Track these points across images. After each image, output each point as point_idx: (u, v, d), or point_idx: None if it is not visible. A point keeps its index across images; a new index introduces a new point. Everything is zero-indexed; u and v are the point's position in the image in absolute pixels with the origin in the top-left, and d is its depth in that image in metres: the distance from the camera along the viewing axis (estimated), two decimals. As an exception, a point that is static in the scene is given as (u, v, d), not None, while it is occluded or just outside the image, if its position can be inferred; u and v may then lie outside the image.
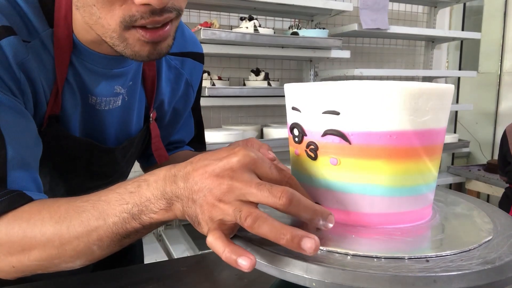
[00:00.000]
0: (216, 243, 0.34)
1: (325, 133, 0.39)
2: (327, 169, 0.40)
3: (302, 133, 0.42)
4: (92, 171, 0.68)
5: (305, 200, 0.35)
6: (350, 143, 0.38)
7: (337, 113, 0.38)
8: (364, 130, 0.37)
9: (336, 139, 0.39)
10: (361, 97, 0.37)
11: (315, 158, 0.41)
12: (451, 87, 0.40)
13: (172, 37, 0.53)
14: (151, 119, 0.72)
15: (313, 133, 0.41)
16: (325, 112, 0.39)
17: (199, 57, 0.77)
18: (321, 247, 0.35)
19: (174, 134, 0.82)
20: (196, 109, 0.84)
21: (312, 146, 0.41)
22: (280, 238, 0.33)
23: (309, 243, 0.32)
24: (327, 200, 0.41)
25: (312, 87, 0.40)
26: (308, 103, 0.41)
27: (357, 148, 0.38)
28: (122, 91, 0.64)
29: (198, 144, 0.87)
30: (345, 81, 0.42)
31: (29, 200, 0.47)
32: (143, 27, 0.48)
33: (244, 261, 0.33)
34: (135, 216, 0.41)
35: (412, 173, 0.39)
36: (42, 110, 0.57)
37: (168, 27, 0.50)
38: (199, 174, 0.38)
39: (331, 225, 0.36)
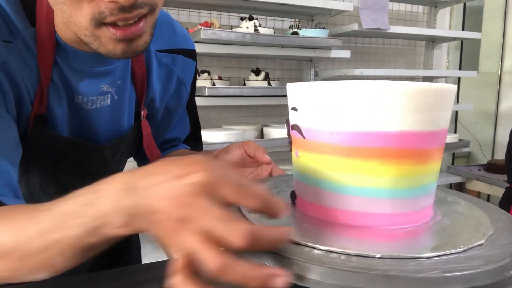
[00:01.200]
0: None
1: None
2: (326, 170, 0.40)
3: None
4: (82, 170, 0.68)
5: (264, 231, 0.32)
6: (350, 144, 0.38)
7: (337, 113, 0.38)
8: (362, 130, 0.37)
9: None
10: (360, 97, 0.37)
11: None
12: (453, 87, 0.39)
13: (149, 33, 0.51)
14: (142, 117, 0.72)
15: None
16: (324, 112, 0.39)
17: (191, 54, 0.77)
18: (319, 246, 0.34)
19: (169, 132, 0.82)
20: (191, 106, 0.83)
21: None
22: (250, 283, 0.30)
23: (280, 280, 0.30)
24: (328, 201, 0.41)
25: (312, 87, 0.40)
26: (306, 102, 0.41)
27: (354, 149, 0.38)
28: (110, 89, 0.64)
29: (194, 142, 0.86)
30: (345, 81, 0.42)
31: None
32: (113, 25, 0.47)
33: None
34: (96, 229, 0.37)
35: (413, 175, 0.39)
36: (27, 111, 0.56)
37: (141, 23, 0.49)
38: (156, 192, 0.33)
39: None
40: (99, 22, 0.46)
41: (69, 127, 0.63)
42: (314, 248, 0.34)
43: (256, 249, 0.32)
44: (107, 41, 0.49)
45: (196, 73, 0.80)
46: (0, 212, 0.44)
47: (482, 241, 0.36)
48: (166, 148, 0.82)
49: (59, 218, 0.39)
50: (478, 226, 0.40)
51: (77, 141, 0.63)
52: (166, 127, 0.80)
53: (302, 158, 0.43)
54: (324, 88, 0.39)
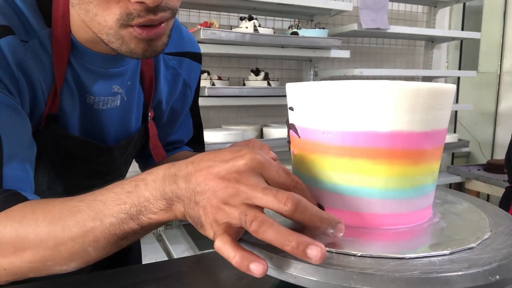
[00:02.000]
0: (225, 248, 0.33)
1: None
2: (320, 169, 0.40)
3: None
4: (90, 169, 0.68)
5: (312, 207, 0.34)
6: (348, 144, 0.38)
7: (337, 113, 0.38)
8: (354, 130, 0.37)
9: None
10: (352, 97, 0.37)
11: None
12: (448, 87, 0.39)
13: (167, 35, 0.53)
14: (149, 118, 0.73)
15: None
16: (323, 112, 0.39)
17: (197, 57, 0.78)
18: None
19: (172, 134, 0.82)
20: (195, 109, 0.84)
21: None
22: (285, 244, 0.32)
23: (315, 251, 0.31)
24: (327, 201, 0.41)
25: (305, 87, 0.40)
26: (301, 102, 0.41)
27: (345, 148, 0.38)
28: (120, 90, 0.65)
29: (197, 145, 0.87)
30: (337, 81, 0.42)
31: (23, 199, 0.46)
32: (139, 25, 0.48)
33: (256, 267, 0.32)
34: (133, 216, 0.39)
35: (407, 175, 0.38)
36: (40, 110, 0.57)
37: (163, 24, 0.50)
38: (202, 175, 0.36)
39: (341, 234, 0.35)
40: (126, 24, 0.47)
41: (79, 127, 0.63)
42: None
43: (300, 219, 0.34)
44: (131, 40, 0.49)
45: (200, 76, 0.81)
46: (31, 204, 0.45)
47: (473, 245, 0.35)
48: (168, 150, 0.83)
49: (96, 207, 0.41)
50: (474, 230, 0.39)
51: (87, 141, 0.64)
52: (170, 129, 0.81)
53: (298, 156, 0.44)
54: (317, 88, 0.39)
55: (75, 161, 0.65)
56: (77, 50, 0.58)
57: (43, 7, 0.55)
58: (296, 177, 0.38)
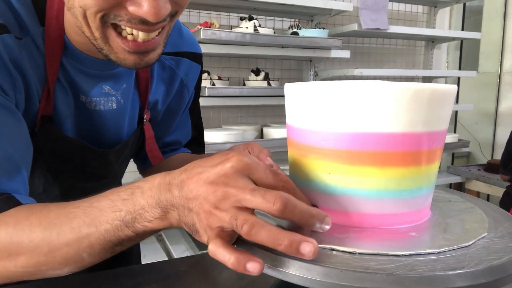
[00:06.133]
0: (219, 252, 0.34)
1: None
2: (322, 171, 0.40)
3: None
4: (86, 172, 0.68)
5: (301, 204, 0.34)
6: (346, 146, 0.38)
7: (335, 114, 0.38)
8: (359, 131, 0.37)
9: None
10: (357, 98, 0.36)
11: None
12: (453, 88, 0.39)
13: (162, 45, 0.52)
14: (145, 120, 0.72)
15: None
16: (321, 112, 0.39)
17: (197, 57, 0.77)
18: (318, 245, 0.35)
19: (169, 134, 0.81)
20: (194, 110, 0.83)
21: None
22: (277, 244, 0.32)
23: (307, 247, 0.32)
24: (325, 202, 0.41)
25: (300, 87, 0.40)
26: (296, 102, 0.41)
27: (349, 151, 0.38)
28: (113, 92, 0.64)
29: (197, 147, 0.86)
30: (342, 81, 0.42)
31: (16, 204, 0.46)
32: (120, 34, 0.48)
33: (252, 266, 0.32)
34: (128, 224, 0.40)
35: (404, 176, 0.38)
36: (35, 109, 0.57)
37: (157, 37, 0.49)
38: (193, 182, 0.37)
39: (327, 227, 0.36)
40: (108, 21, 0.47)
41: (75, 128, 0.63)
42: None
43: (290, 218, 0.34)
44: (118, 51, 0.49)
45: (201, 77, 0.80)
46: (26, 209, 0.45)
47: (472, 244, 0.35)
48: (166, 151, 0.82)
49: (92, 213, 0.41)
50: (474, 229, 0.39)
51: (83, 143, 0.63)
52: (166, 129, 0.80)
53: (292, 157, 0.44)
54: (315, 88, 0.39)
55: (71, 164, 0.65)
56: (70, 52, 0.57)
57: (38, 7, 0.54)
58: (285, 177, 0.39)
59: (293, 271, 0.32)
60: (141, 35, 0.49)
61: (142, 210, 0.39)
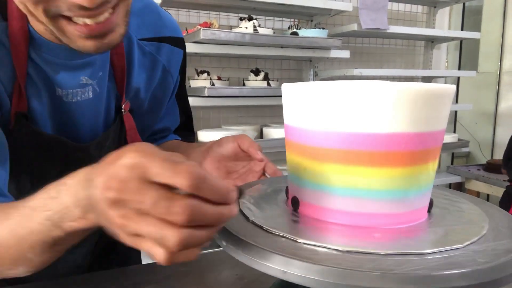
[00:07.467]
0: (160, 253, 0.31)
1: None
2: (321, 172, 0.40)
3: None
4: (69, 168, 0.66)
5: (205, 206, 0.31)
6: (344, 146, 0.38)
7: (333, 114, 0.38)
8: (357, 131, 0.37)
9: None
10: (356, 98, 0.36)
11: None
12: (451, 88, 0.39)
13: (122, 24, 0.50)
14: (123, 110, 0.69)
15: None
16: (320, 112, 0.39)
17: (179, 42, 0.74)
18: (317, 243, 0.35)
19: (158, 122, 0.79)
20: (181, 96, 0.81)
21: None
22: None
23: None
24: (322, 202, 0.41)
25: (297, 87, 0.40)
26: (293, 102, 0.41)
27: (348, 151, 0.38)
28: (90, 82, 0.61)
29: (186, 132, 0.84)
30: (340, 81, 0.42)
31: None
32: (71, 20, 0.46)
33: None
34: (56, 224, 0.37)
35: (402, 176, 0.38)
36: (6, 108, 0.55)
37: (112, 17, 0.47)
38: (99, 182, 0.32)
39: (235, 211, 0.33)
40: (54, 14, 0.45)
41: (51, 123, 0.61)
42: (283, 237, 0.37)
43: (200, 224, 0.31)
44: (75, 38, 0.47)
45: (185, 61, 0.77)
46: None
47: (472, 243, 0.35)
48: (156, 139, 0.80)
49: (26, 213, 0.39)
50: (474, 229, 0.39)
51: (61, 139, 0.61)
52: (154, 118, 0.78)
53: (290, 157, 0.44)
54: (313, 88, 0.39)
55: (53, 160, 0.63)
56: (37, 43, 0.55)
57: None
58: (189, 165, 0.31)
59: (292, 270, 0.32)
60: (87, 20, 0.47)
61: (66, 209, 0.36)
